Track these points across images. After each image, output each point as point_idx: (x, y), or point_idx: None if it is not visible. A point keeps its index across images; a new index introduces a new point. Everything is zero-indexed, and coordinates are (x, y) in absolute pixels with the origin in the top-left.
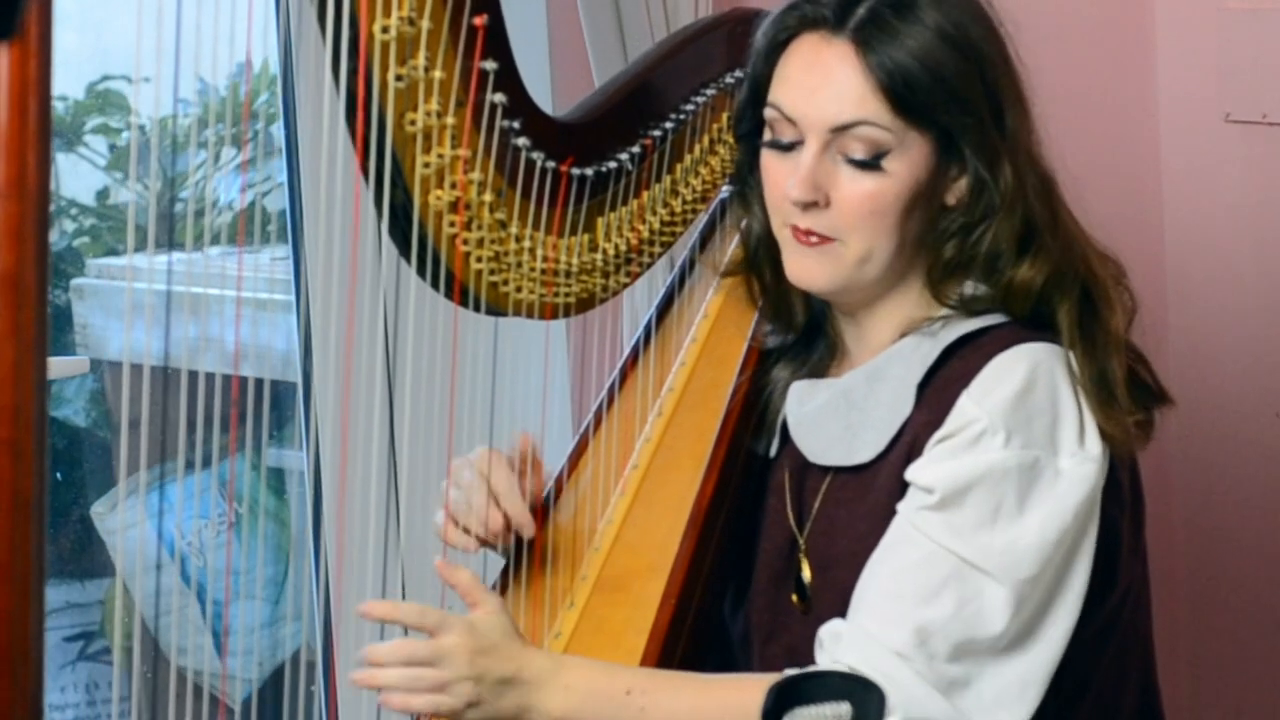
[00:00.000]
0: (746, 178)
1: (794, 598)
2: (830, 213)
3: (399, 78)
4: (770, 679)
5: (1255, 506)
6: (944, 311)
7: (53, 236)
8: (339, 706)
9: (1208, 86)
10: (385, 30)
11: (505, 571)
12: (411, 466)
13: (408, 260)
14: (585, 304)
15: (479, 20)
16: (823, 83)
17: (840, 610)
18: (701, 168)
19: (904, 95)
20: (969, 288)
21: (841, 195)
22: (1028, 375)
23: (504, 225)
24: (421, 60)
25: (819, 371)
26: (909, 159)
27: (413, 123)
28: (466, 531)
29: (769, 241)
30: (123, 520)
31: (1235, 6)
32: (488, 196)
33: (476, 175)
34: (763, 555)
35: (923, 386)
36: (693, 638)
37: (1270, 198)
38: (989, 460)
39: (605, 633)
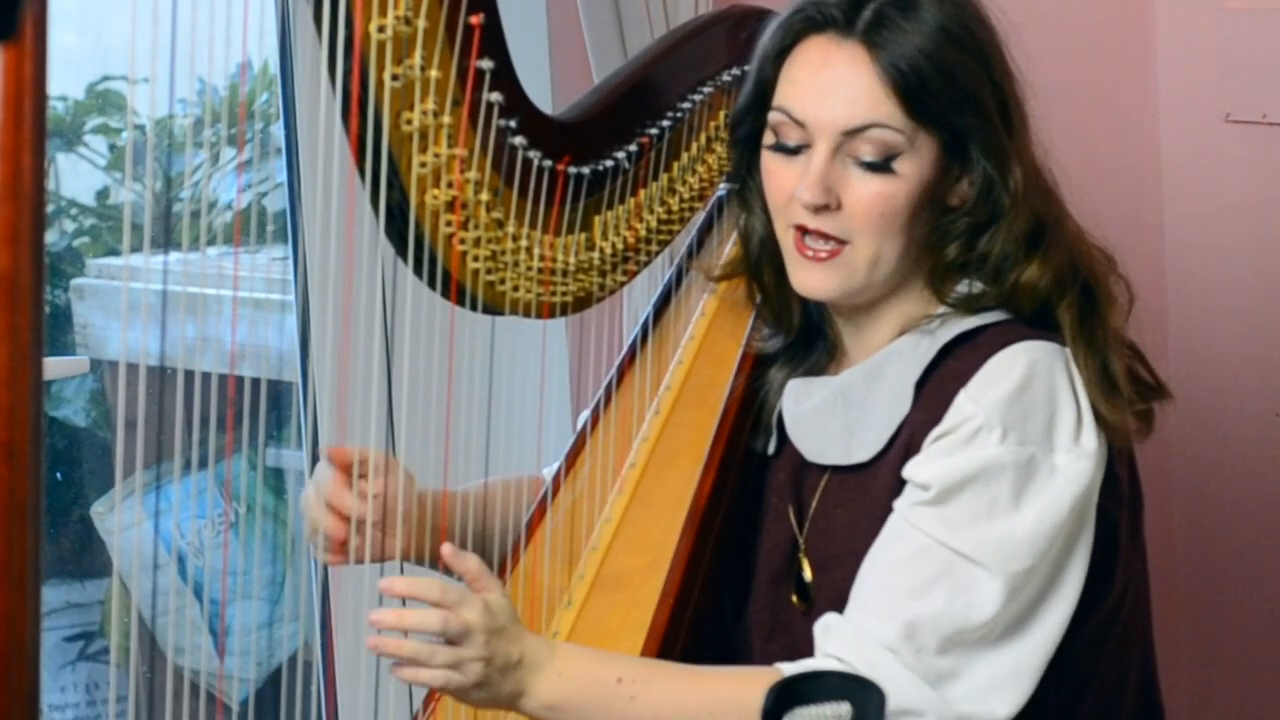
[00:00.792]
0: (745, 179)
1: (794, 598)
2: (841, 215)
3: (395, 77)
4: (762, 671)
5: (1255, 506)
6: (942, 309)
7: (53, 236)
8: (338, 706)
9: (1208, 86)
10: (381, 29)
11: (503, 570)
12: (410, 466)
13: (404, 260)
14: (582, 303)
15: (475, 19)
16: (834, 85)
17: (836, 607)
18: (699, 165)
19: (917, 96)
20: (968, 285)
21: (853, 197)
22: (1025, 372)
23: (501, 224)
24: (418, 59)
25: (816, 370)
26: (919, 160)
27: (409, 122)
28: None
29: (771, 243)
30: (119, 520)
31: (1235, 6)
32: (484, 195)
33: (473, 174)
34: (763, 554)
35: (920, 385)
36: (691, 636)
37: (1270, 198)
38: (985, 456)
39: (603, 632)
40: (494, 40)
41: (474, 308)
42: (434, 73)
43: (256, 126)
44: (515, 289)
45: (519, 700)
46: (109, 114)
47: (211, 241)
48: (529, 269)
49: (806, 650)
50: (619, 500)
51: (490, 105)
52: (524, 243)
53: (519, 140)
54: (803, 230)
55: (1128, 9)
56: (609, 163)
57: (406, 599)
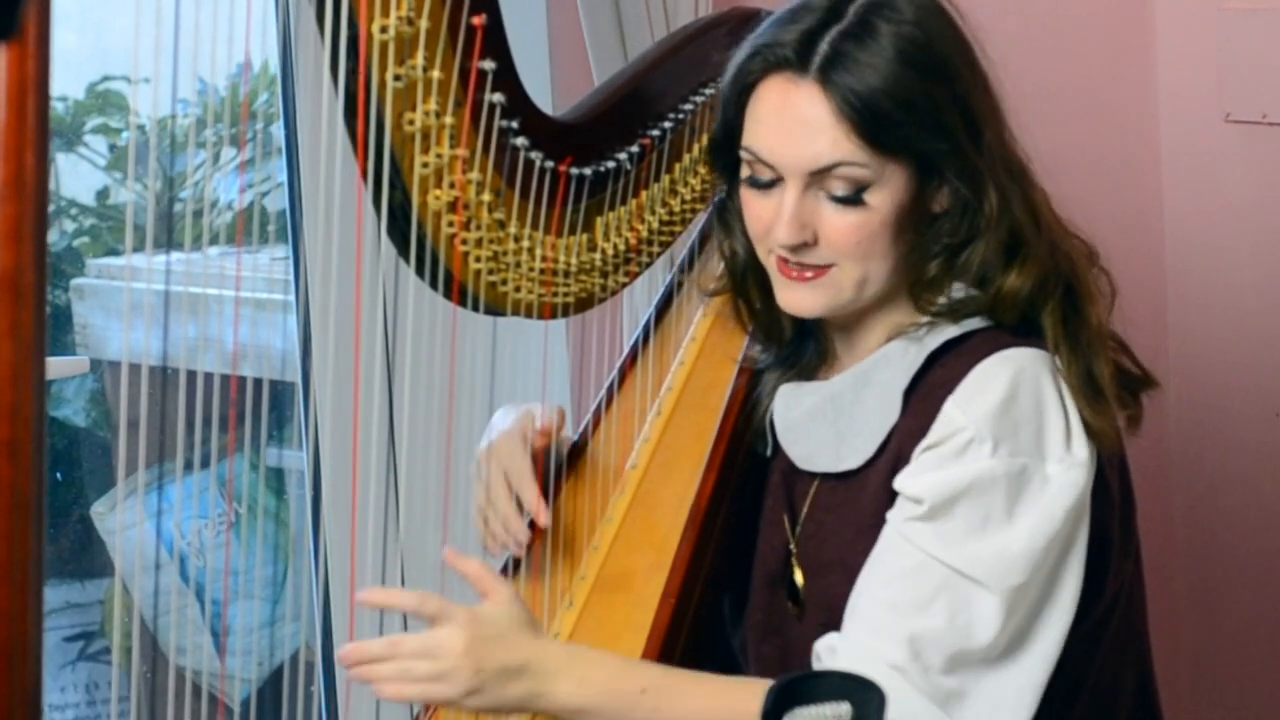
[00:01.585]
0: (726, 202)
1: (789, 602)
2: (820, 248)
3: (397, 77)
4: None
5: (1255, 506)
6: (929, 317)
7: (53, 236)
8: (339, 706)
9: (1208, 86)
10: (384, 30)
11: (504, 571)
12: (411, 466)
13: (406, 260)
14: (584, 303)
15: (478, 20)
16: (795, 128)
17: (829, 615)
18: (700, 167)
19: (878, 132)
20: (956, 291)
21: (828, 231)
22: (1011, 383)
23: (503, 225)
24: (420, 60)
25: (808, 374)
26: (890, 188)
27: (411, 122)
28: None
29: (754, 264)
30: (122, 520)
31: (1235, 6)
32: (486, 196)
33: (475, 175)
34: (760, 556)
35: (908, 393)
36: (692, 637)
37: (1270, 198)
38: (977, 469)
39: (605, 632)
40: (496, 41)
41: (476, 308)
42: (436, 73)
43: (257, 126)
44: (517, 290)
45: (534, 705)
46: (109, 114)
47: (213, 241)
48: (531, 270)
49: (800, 651)
50: (620, 501)
51: (492, 106)
52: (526, 243)
53: (521, 141)
54: (784, 265)
55: (1128, 9)
56: (611, 164)
57: (384, 610)
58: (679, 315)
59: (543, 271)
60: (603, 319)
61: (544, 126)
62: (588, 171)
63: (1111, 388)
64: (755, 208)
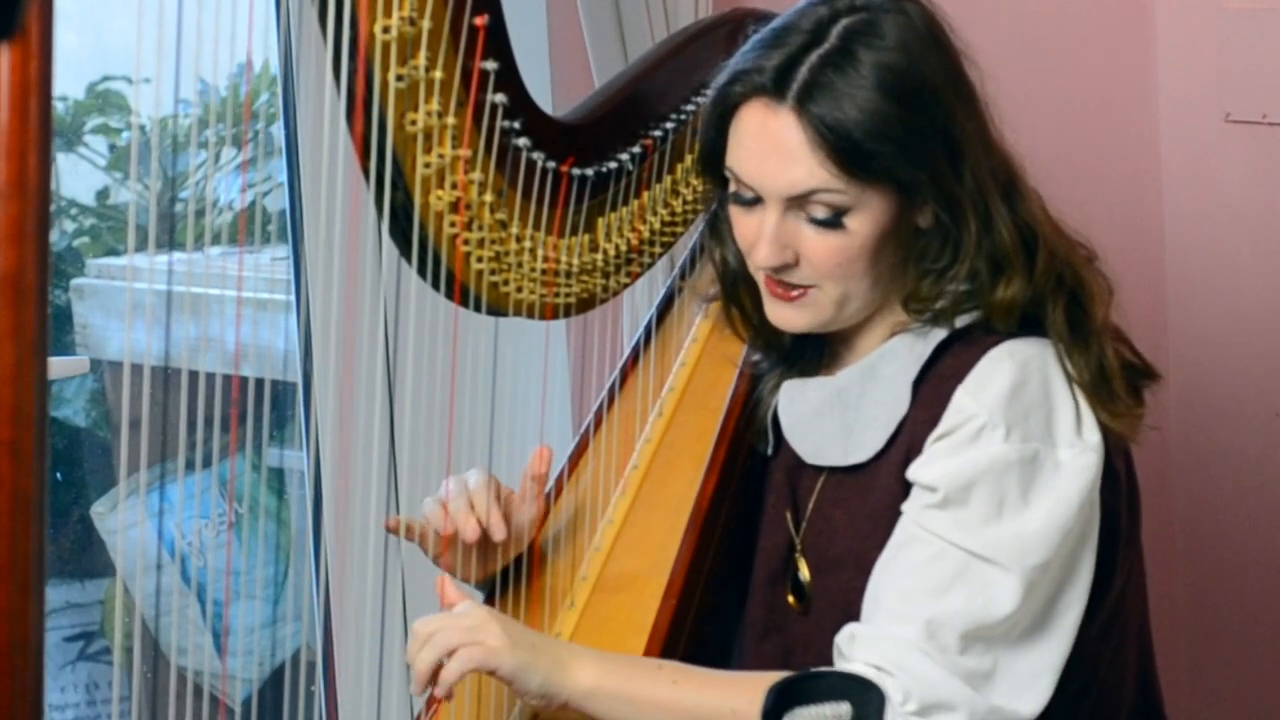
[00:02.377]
0: (718, 211)
1: (790, 598)
2: (802, 268)
3: (400, 78)
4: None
5: (1255, 506)
6: (930, 314)
7: (53, 236)
8: (339, 706)
9: (1208, 86)
10: (386, 30)
11: (505, 572)
12: (412, 466)
13: (408, 260)
14: (586, 304)
15: (480, 20)
16: (773, 154)
17: (841, 609)
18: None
19: (854, 161)
20: (952, 289)
21: (809, 251)
22: (1020, 370)
23: (504, 225)
24: (422, 60)
25: (810, 370)
26: (871, 212)
27: (413, 123)
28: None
29: (746, 276)
30: (122, 520)
31: (1235, 6)
32: (488, 197)
33: (477, 175)
34: (761, 553)
35: (918, 385)
36: (693, 637)
37: (1270, 198)
38: (990, 455)
39: (606, 633)
40: (498, 41)
41: (477, 309)
42: (438, 74)
43: (258, 126)
44: (519, 290)
45: (557, 678)
46: (109, 114)
47: (214, 241)
48: (533, 270)
49: (800, 651)
50: (621, 501)
51: (494, 106)
52: (528, 244)
53: (523, 141)
54: (771, 282)
55: (1128, 9)
56: (613, 164)
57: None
58: (680, 316)
59: (544, 272)
60: (604, 320)
61: (546, 127)
62: (589, 172)
63: (1120, 383)
64: (741, 224)
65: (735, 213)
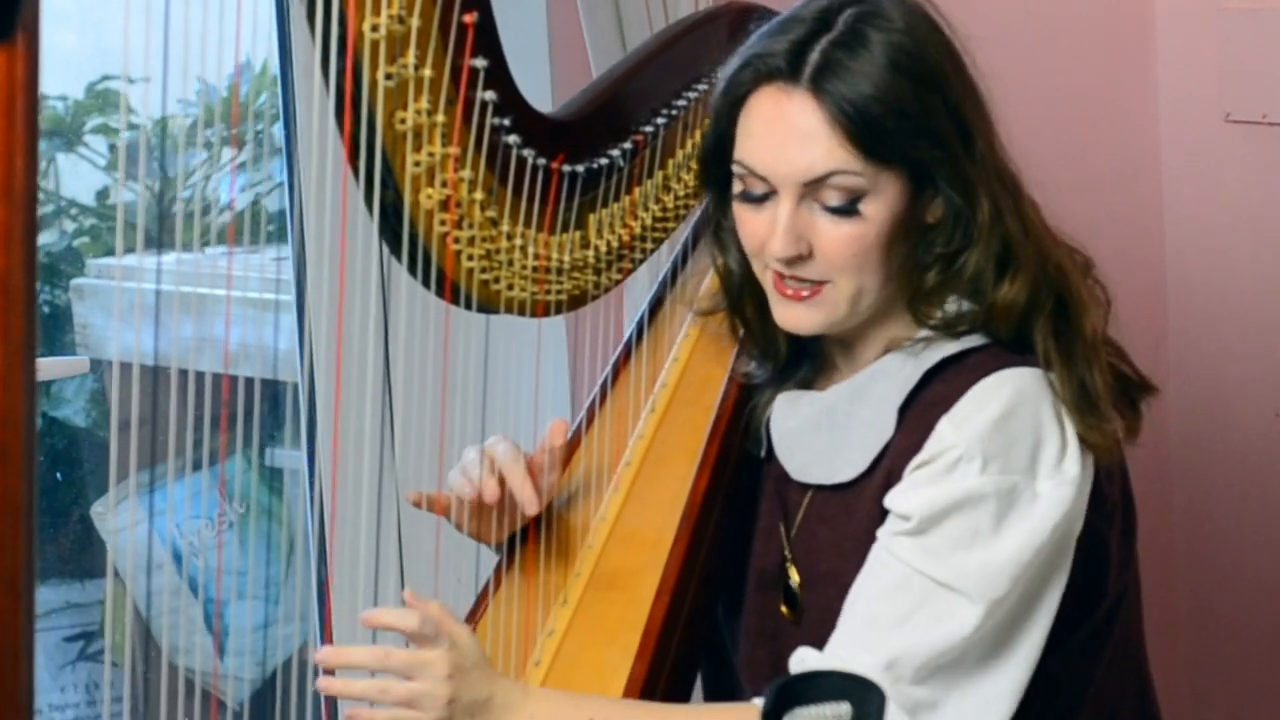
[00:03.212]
0: (719, 219)
1: (783, 607)
2: (816, 261)
3: (389, 76)
4: (740, 708)
5: (1255, 506)
6: (926, 331)
7: (53, 236)
8: (337, 706)
9: (1208, 86)
10: (375, 28)
11: (499, 569)
12: (405, 465)
13: (399, 259)
14: (577, 301)
15: (469, 18)
16: (788, 138)
17: (824, 626)
18: (694, 163)
19: (872, 139)
20: (952, 305)
21: (823, 242)
22: (1010, 401)
23: (495, 223)
24: (411, 58)
25: (806, 382)
26: (885, 198)
27: (403, 121)
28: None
29: (750, 281)
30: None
31: (1235, 6)
32: (479, 194)
33: (467, 173)
34: (755, 558)
35: (904, 409)
36: (687, 634)
37: (1270, 198)
38: (965, 487)
39: (600, 629)
40: (488, 39)
41: (469, 306)
42: (427, 71)
43: (256, 126)
44: (510, 287)
45: None
46: (109, 114)
47: (208, 242)
48: (524, 267)
49: (789, 658)
50: (615, 498)
51: (484, 104)
52: (519, 241)
53: (513, 139)
54: (780, 281)
55: (1128, 9)
56: (604, 160)
57: (379, 631)
58: (672, 312)
59: (535, 269)
60: (607, 316)
61: (536, 124)
62: (580, 169)
63: (1107, 398)
64: (749, 223)
65: (743, 212)
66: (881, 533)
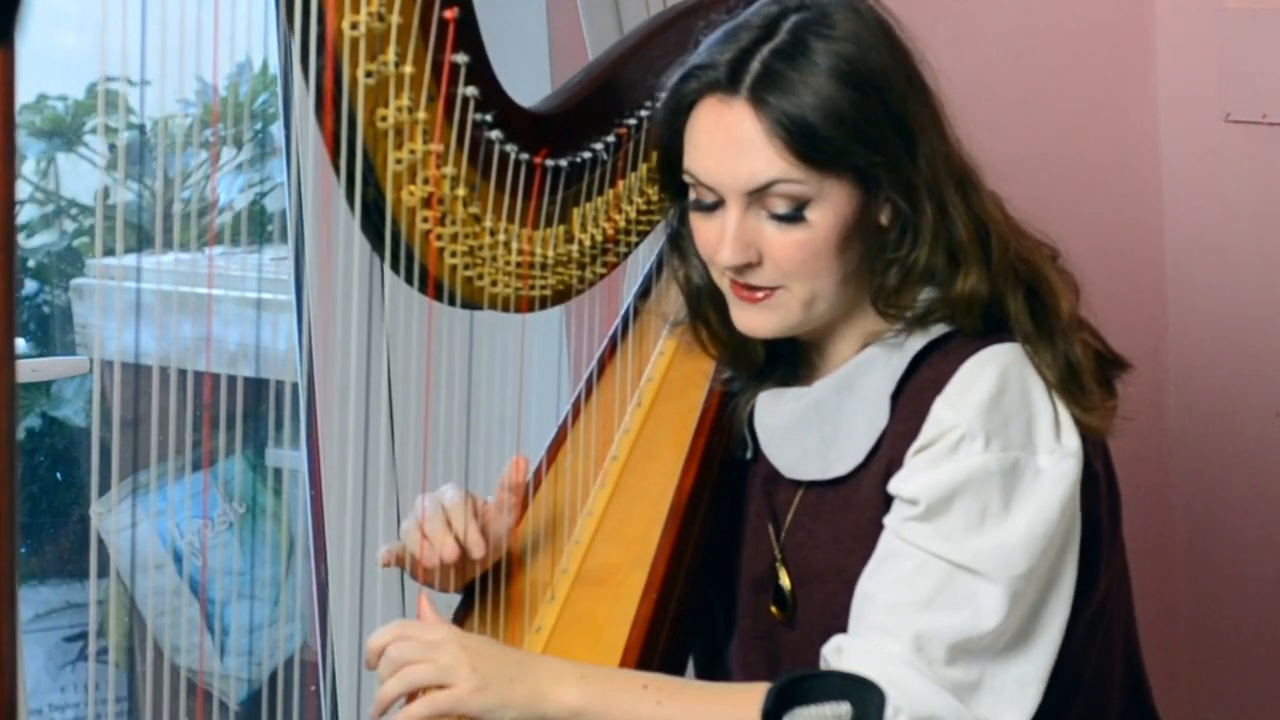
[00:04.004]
0: (679, 228)
1: (773, 608)
2: (765, 268)
3: (369, 73)
4: (752, 688)
5: (1255, 506)
6: (902, 324)
7: (53, 236)
8: (339, 706)
9: (1208, 86)
10: (354, 26)
11: (470, 600)
12: (402, 465)
13: (381, 256)
14: (562, 296)
15: (449, 14)
16: (728, 148)
17: (826, 621)
18: None
19: (811, 149)
20: (924, 298)
21: (772, 249)
22: (999, 377)
23: (478, 219)
24: (392, 55)
25: (786, 380)
26: (831, 203)
27: (384, 118)
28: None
29: (712, 290)
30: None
31: (1235, 6)
32: (461, 190)
33: (449, 170)
34: (745, 559)
35: (896, 396)
36: (674, 630)
37: (1270, 198)
38: (970, 465)
39: (587, 626)
40: (468, 34)
41: (452, 303)
42: (408, 68)
43: (255, 126)
44: (493, 284)
45: (539, 706)
46: (109, 114)
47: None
48: (507, 263)
49: (786, 659)
50: (601, 493)
51: (465, 100)
52: (502, 237)
53: (495, 134)
54: (737, 285)
55: (1128, 9)
56: (587, 154)
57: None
58: (658, 305)
59: (519, 265)
60: (606, 312)
61: (518, 119)
62: (563, 163)
63: (1091, 375)
64: (702, 231)
65: (696, 220)
66: (889, 520)
